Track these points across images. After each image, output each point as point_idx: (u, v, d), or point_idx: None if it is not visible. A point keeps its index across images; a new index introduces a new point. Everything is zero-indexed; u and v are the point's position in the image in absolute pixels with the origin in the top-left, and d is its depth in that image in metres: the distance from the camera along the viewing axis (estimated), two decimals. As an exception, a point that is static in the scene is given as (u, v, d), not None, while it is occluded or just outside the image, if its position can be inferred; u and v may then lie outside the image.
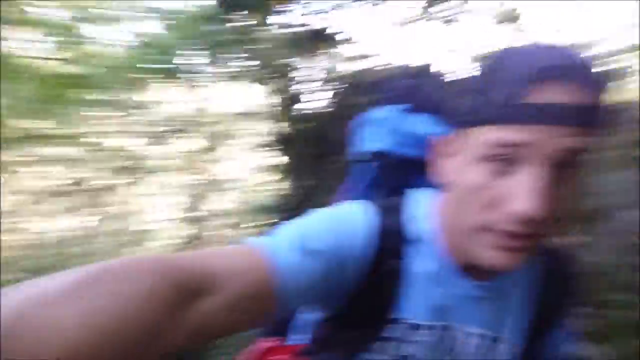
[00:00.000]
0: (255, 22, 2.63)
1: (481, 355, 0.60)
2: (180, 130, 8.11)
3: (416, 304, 0.58)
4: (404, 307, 0.58)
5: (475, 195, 0.49)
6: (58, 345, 0.30)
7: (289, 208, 3.53)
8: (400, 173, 0.72)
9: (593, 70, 0.47)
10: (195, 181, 8.67)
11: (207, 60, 3.22)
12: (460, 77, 0.55)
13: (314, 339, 0.69)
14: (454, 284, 0.58)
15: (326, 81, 3.18)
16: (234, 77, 3.44)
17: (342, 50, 3.07)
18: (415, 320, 0.58)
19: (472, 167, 0.49)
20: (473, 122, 0.50)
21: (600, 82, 0.47)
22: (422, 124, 0.72)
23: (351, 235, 0.55)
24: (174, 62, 3.39)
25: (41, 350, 0.30)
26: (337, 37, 2.98)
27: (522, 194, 0.45)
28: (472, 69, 0.52)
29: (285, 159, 3.74)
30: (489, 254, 0.50)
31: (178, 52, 3.43)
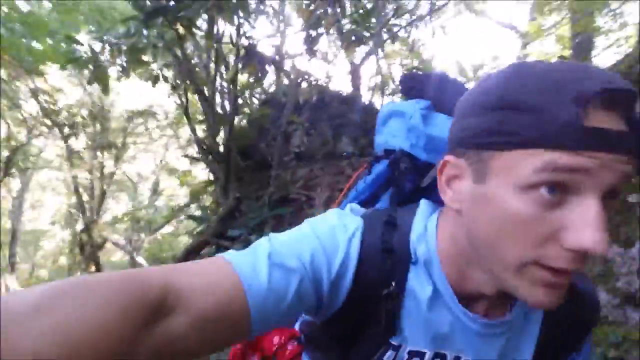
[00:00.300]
0: (182, 32, 2.64)
1: None
2: (75, 125, 7.51)
3: (414, 329, 0.55)
4: (402, 330, 0.55)
5: (518, 228, 0.44)
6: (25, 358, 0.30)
7: (206, 217, 3.52)
8: (413, 177, 0.66)
9: (634, 95, 0.43)
10: (90, 179, 8.07)
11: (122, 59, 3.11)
12: (482, 87, 0.49)
13: (306, 334, 0.67)
14: (453, 312, 0.54)
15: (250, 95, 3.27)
16: (149, 78, 3.36)
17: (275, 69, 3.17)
18: (415, 346, 0.55)
19: (510, 195, 0.44)
20: (508, 144, 0.44)
21: (636, 107, 0.43)
22: (443, 126, 0.64)
23: (331, 254, 0.52)
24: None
25: None
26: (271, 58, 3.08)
27: (584, 227, 0.40)
28: (495, 82, 0.47)
29: (206, 166, 3.71)
30: (531, 291, 0.45)
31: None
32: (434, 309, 0.54)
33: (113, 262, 8.24)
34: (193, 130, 3.40)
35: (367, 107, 4.85)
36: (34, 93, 7.00)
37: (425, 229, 0.56)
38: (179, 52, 3.02)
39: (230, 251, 0.50)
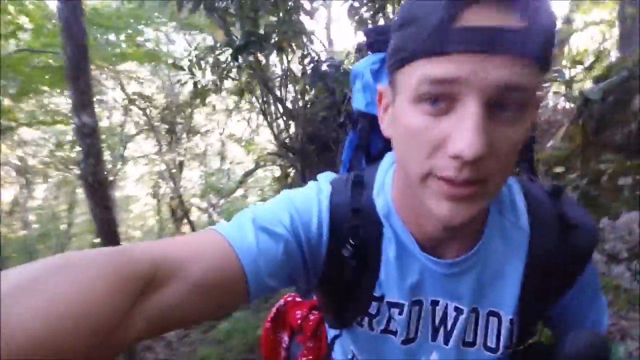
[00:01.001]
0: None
1: (469, 330, 0.56)
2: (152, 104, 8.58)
3: (390, 281, 0.55)
4: (381, 284, 0.56)
5: (413, 140, 0.43)
6: (10, 341, 0.29)
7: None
8: (380, 138, 0.64)
9: None
10: (168, 150, 9.25)
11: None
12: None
13: (318, 301, 0.68)
14: (419, 260, 0.54)
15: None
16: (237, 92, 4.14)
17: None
18: (392, 298, 0.56)
19: (406, 110, 0.43)
20: (401, 60, 0.43)
21: (543, 6, 0.39)
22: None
23: (306, 218, 0.53)
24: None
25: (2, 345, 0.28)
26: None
27: (458, 133, 0.39)
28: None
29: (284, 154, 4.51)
30: (434, 204, 0.44)
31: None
32: (402, 259, 0.55)
33: (195, 222, 9.64)
34: (271, 128, 4.21)
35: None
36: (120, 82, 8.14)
37: (383, 182, 0.57)
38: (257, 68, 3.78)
39: (218, 223, 0.51)
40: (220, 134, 10.11)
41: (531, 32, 0.38)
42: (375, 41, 0.70)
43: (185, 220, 9.27)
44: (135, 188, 12.01)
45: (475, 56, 0.38)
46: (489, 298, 0.56)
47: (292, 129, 4.16)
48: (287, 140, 4.22)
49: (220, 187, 9.26)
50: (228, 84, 4.46)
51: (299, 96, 3.88)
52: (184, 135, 9.41)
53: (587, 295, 0.60)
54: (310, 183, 0.60)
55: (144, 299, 0.39)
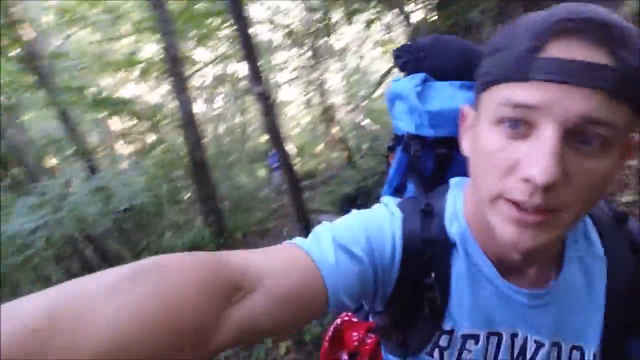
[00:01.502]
0: None
1: None
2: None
3: (462, 311, 0.54)
4: (452, 315, 0.54)
5: (489, 161, 0.43)
6: (97, 339, 0.30)
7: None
8: (431, 155, 0.65)
9: (624, 28, 0.38)
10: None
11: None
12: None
13: (377, 325, 0.67)
14: (498, 287, 0.53)
15: None
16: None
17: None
18: (466, 329, 0.54)
19: (486, 131, 0.44)
20: (487, 83, 0.45)
21: (635, 46, 0.38)
22: (443, 97, 0.64)
23: (380, 242, 0.53)
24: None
25: (78, 344, 0.29)
26: None
27: (532, 157, 0.39)
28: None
29: None
30: (499, 227, 0.44)
31: None
32: (478, 287, 0.53)
33: (343, 122, 10.70)
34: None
35: None
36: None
37: (455, 209, 0.56)
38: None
39: (296, 238, 0.53)
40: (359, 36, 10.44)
41: (618, 70, 0.38)
42: (409, 60, 0.72)
43: (333, 121, 10.45)
44: (288, 92, 13.52)
45: (556, 86, 0.38)
46: (570, 331, 0.54)
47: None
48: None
49: (358, 90, 9.86)
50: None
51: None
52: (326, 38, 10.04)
53: None
54: (379, 205, 0.60)
55: (233, 306, 0.40)
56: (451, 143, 0.61)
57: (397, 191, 0.71)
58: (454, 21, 3.96)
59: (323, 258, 0.49)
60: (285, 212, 6.37)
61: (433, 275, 0.54)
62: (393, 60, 0.75)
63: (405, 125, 0.68)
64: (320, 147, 13.12)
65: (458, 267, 0.54)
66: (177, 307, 0.34)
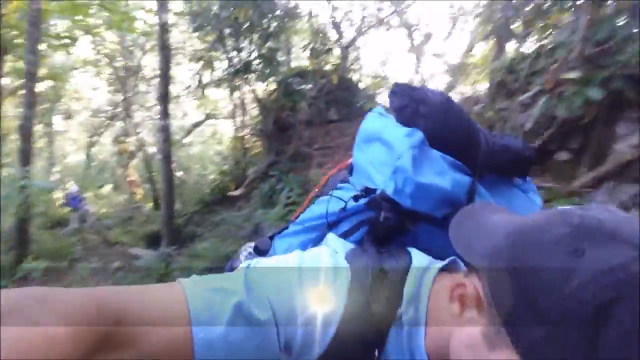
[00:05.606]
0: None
1: None
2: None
3: None
4: None
5: None
6: None
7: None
8: (395, 218, 0.58)
9: None
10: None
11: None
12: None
13: None
14: None
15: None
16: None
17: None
18: None
19: None
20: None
21: None
22: (436, 170, 0.58)
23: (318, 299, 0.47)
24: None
25: None
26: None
27: None
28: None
29: None
30: None
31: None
32: None
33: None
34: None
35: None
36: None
37: (418, 293, 0.51)
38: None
39: (193, 276, 0.49)
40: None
41: None
42: (408, 107, 0.64)
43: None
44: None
45: None
46: None
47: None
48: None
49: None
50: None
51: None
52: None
53: None
54: (325, 253, 0.54)
55: (102, 355, 0.38)
56: (420, 218, 0.58)
57: (330, 226, 0.64)
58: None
59: (209, 321, 0.45)
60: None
61: (376, 353, 0.50)
62: (389, 97, 0.68)
63: (381, 182, 0.61)
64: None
65: (392, 344, 0.51)
66: (45, 345, 0.33)
